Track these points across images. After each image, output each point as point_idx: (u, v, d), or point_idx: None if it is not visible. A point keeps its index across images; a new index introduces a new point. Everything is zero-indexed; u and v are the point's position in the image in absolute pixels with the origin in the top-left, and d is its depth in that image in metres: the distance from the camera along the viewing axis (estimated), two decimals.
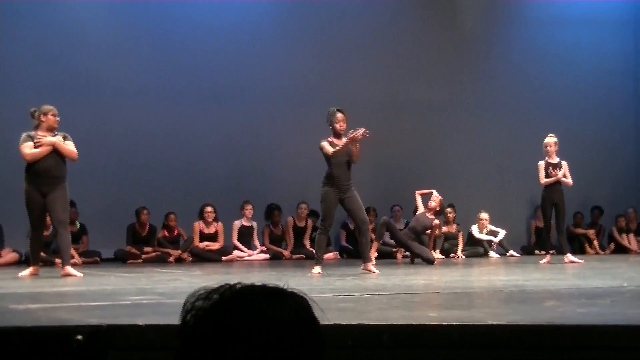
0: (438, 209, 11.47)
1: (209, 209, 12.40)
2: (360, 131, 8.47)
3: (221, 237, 12.52)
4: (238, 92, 13.38)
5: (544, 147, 10.96)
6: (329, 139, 8.70)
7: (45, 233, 9.77)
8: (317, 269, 8.52)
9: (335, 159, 8.55)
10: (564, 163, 10.87)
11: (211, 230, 12.48)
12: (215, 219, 12.49)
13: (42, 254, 9.39)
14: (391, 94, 14.14)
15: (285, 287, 1.45)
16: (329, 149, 8.57)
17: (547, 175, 10.81)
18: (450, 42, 14.54)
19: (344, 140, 8.64)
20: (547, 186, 10.82)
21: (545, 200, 10.90)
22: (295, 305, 1.41)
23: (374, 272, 8.52)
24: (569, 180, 10.84)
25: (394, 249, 12.82)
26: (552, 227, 11.11)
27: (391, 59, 14.22)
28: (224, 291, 1.42)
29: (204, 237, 12.46)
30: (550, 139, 10.99)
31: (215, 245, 12.44)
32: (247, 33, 13.48)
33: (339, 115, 8.73)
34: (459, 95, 14.47)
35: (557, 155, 10.94)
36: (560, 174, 10.76)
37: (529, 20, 15.12)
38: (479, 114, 14.52)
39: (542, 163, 10.90)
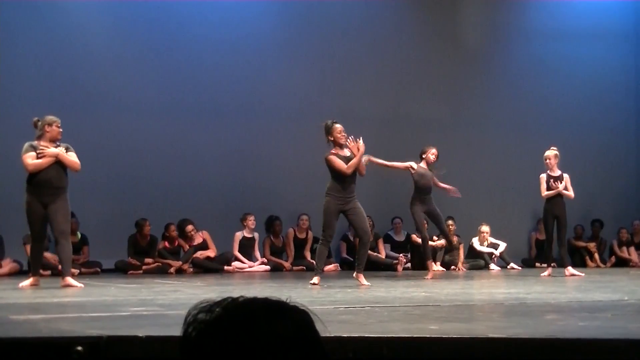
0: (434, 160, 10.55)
1: (190, 227, 12.37)
2: (361, 141, 8.60)
3: (211, 244, 12.54)
4: (239, 105, 13.39)
5: (544, 160, 10.98)
6: (333, 152, 8.71)
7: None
8: (315, 279, 8.52)
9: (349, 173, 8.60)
10: (565, 176, 10.88)
11: (199, 241, 12.47)
12: (198, 230, 12.47)
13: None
14: (392, 109, 14.16)
15: (287, 300, 1.45)
16: (343, 165, 8.57)
17: (549, 188, 10.82)
18: (451, 58, 14.57)
19: (346, 150, 8.69)
20: (549, 199, 10.84)
21: (546, 213, 10.92)
22: (297, 320, 1.41)
23: (363, 284, 8.52)
24: (570, 193, 10.86)
25: (395, 261, 12.83)
26: (553, 240, 11.10)
27: (392, 75, 14.25)
28: (227, 305, 1.42)
29: (195, 249, 12.48)
30: (550, 152, 11.01)
31: (211, 253, 12.45)
32: (249, 48, 13.51)
33: (338, 126, 8.76)
34: (460, 109, 14.49)
35: (559, 168, 10.95)
36: (561, 186, 10.77)
37: (529, 36, 15.14)
38: (480, 128, 14.54)
39: (543, 176, 10.92)
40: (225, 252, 12.60)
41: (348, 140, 8.73)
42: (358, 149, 8.64)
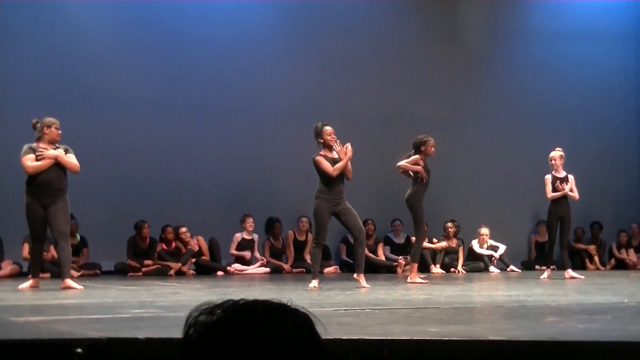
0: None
1: (183, 229, 12.34)
2: (349, 146, 8.65)
3: (205, 250, 12.54)
4: (240, 106, 13.39)
5: (549, 161, 10.95)
6: (321, 153, 8.74)
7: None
8: (314, 283, 8.52)
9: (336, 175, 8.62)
10: (570, 177, 10.85)
11: (194, 247, 12.46)
12: (192, 235, 12.47)
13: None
14: (393, 109, 14.15)
15: (289, 303, 1.45)
16: (329, 167, 8.60)
17: (554, 190, 10.79)
18: (452, 58, 14.56)
19: (335, 153, 8.72)
20: (554, 200, 10.79)
21: (551, 214, 10.87)
22: (298, 323, 1.42)
23: (363, 286, 8.51)
24: (575, 194, 10.84)
25: (394, 264, 12.83)
26: (555, 242, 11.07)
27: (393, 75, 14.24)
28: (228, 307, 1.42)
29: (194, 255, 12.47)
30: (556, 153, 10.98)
31: (205, 258, 12.47)
32: (249, 48, 13.50)
33: (328, 128, 8.81)
34: (461, 110, 14.48)
35: (563, 169, 10.93)
36: (567, 188, 10.75)
37: (530, 36, 15.15)
38: (480, 130, 14.53)
39: (548, 177, 10.89)
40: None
41: (336, 143, 8.76)
42: (345, 153, 8.68)
